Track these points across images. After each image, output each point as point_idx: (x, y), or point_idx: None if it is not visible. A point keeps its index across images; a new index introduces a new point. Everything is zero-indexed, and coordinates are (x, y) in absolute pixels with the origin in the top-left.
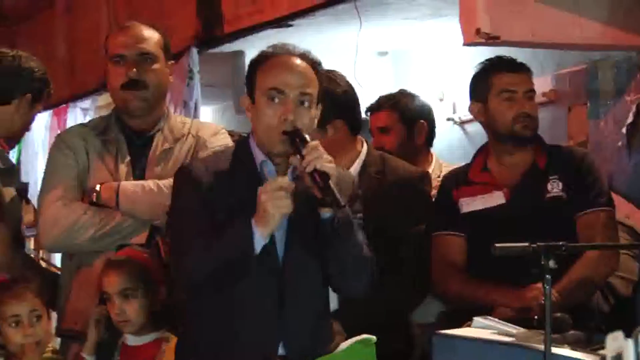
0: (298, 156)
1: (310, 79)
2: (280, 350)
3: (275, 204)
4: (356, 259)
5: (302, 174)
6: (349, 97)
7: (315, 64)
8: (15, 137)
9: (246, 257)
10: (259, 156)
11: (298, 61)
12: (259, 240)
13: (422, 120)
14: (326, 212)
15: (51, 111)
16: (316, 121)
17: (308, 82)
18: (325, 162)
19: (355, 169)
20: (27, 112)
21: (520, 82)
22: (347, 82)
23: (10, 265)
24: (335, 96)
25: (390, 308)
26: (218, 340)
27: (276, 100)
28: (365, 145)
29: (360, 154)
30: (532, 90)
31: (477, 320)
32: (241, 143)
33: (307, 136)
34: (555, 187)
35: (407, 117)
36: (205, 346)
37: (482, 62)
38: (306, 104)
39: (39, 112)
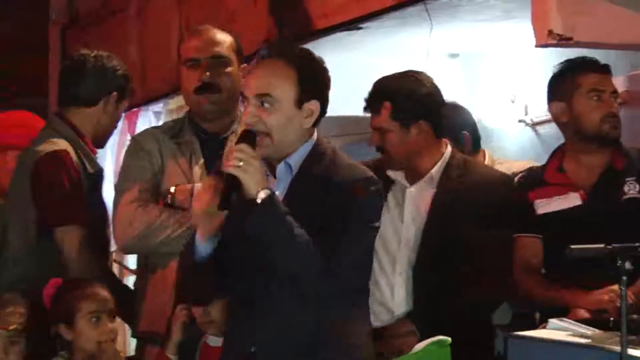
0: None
1: (271, 79)
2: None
3: (196, 203)
4: (281, 255)
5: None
6: (434, 98)
7: (295, 63)
8: (104, 136)
9: (193, 262)
10: None
11: (265, 63)
12: (200, 246)
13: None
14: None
15: (123, 115)
16: (305, 118)
17: (265, 83)
18: (230, 166)
19: (437, 171)
20: (114, 111)
21: (607, 82)
22: (433, 83)
23: (86, 272)
24: (419, 97)
25: (468, 310)
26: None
27: (246, 104)
28: (449, 147)
29: (444, 157)
30: (616, 92)
31: (553, 321)
32: None
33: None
34: (632, 189)
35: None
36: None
37: (564, 62)
38: (266, 105)
39: (125, 109)
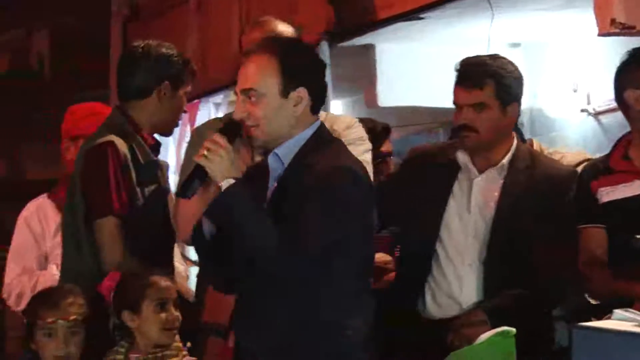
0: None
1: (253, 73)
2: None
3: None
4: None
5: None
6: (523, 82)
7: (277, 54)
8: (167, 126)
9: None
10: None
11: (250, 58)
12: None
13: None
14: None
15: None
16: (294, 106)
17: (249, 78)
18: (198, 156)
19: (507, 160)
20: (172, 99)
21: None
22: None
23: (121, 266)
24: (518, 78)
25: (533, 302)
26: None
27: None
28: (515, 138)
29: (512, 147)
30: None
31: (618, 312)
32: None
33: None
34: None
35: None
36: None
37: (634, 50)
38: (252, 98)
39: (187, 94)
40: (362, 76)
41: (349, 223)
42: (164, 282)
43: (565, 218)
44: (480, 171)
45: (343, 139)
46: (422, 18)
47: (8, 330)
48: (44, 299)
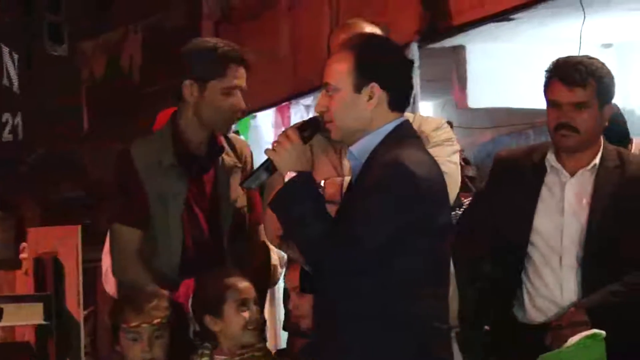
0: None
1: (330, 68)
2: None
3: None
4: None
5: None
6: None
7: (353, 49)
8: (217, 125)
9: None
10: None
11: (334, 56)
12: None
13: None
14: None
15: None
16: (368, 102)
17: (327, 73)
18: (269, 150)
19: (598, 160)
20: (203, 95)
21: None
22: None
23: (126, 274)
24: (613, 80)
25: (631, 297)
26: None
27: None
28: (602, 138)
29: (600, 147)
30: None
31: None
32: None
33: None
34: None
35: None
36: None
37: None
38: (330, 92)
39: (235, 87)
40: (452, 77)
41: (392, 221)
42: (240, 282)
43: None
44: (571, 173)
45: (431, 141)
46: (512, 19)
47: (99, 329)
48: (128, 302)
